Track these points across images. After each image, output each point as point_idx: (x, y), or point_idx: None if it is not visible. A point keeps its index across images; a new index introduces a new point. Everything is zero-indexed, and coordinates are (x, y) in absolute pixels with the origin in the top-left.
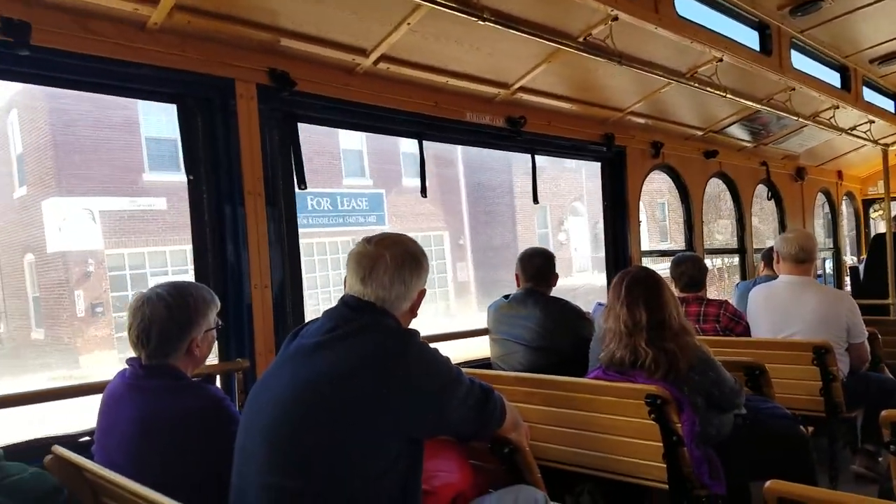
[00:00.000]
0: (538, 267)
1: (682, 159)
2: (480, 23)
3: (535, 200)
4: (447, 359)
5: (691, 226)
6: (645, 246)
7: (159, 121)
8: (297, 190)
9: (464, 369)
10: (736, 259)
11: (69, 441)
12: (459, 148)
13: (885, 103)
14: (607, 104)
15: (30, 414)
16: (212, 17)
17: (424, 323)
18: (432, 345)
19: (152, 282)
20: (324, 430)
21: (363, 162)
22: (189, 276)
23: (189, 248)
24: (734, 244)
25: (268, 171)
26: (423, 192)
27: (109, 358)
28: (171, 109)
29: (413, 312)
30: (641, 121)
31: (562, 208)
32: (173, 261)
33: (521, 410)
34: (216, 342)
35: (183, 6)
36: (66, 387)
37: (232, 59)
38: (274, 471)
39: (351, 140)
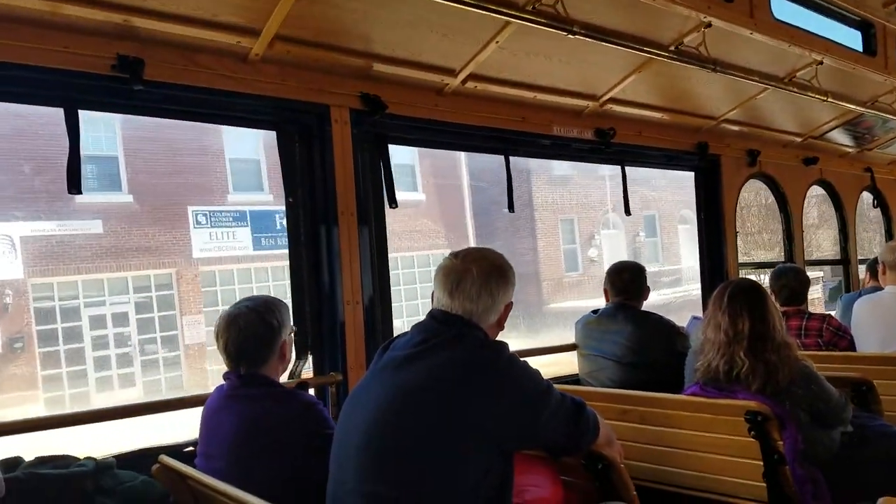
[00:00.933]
0: (627, 281)
1: (779, 167)
2: (570, 37)
3: (627, 212)
4: (537, 372)
5: (791, 236)
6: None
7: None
8: (386, 209)
9: (556, 385)
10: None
11: (174, 451)
12: (463, 154)
13: None
14: (700, 112)
15: None
16: (309, 46)
17: None
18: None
19: (87, 313)
20: (416, 440)
21: (261, 172)
22: (131, 306)
23: (131, 274)
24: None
25: (360, 192)
26: (511, 207)
27: (31, 397)
28: (104, 121)
29: (500, 325)
30: (736, 128)
31: (593, 220)
32: (112, 289)
33: (613, 428)
34: (310, 356)
35: (283, 36)
36: (161, 401)
37: (327, 86)
38: (369, 480)
39: (241, 144)
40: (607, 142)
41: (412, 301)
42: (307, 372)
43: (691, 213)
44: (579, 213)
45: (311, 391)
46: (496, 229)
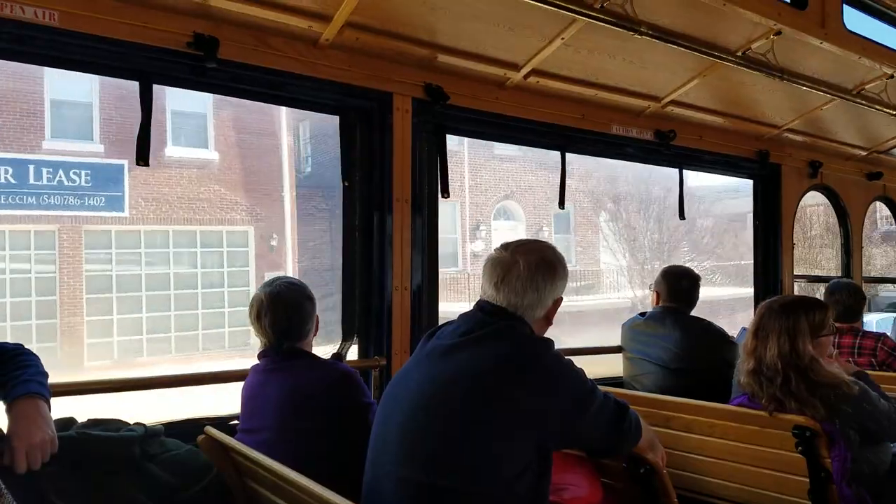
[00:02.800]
0: (685, 289)
1: (841, 180)
2: (637, 37)
3: (682, 216)
4: (582, 371)
5: (849, 251)
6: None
7: None
8: (440, 198)
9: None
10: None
11: (220, 422)
12: (284, 109)
13: None
14: (762, 120)
15: None
16: (377, 34)
17: None
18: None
19: None
20: (456, 430)
21: (92, 119)
22: None
23: None
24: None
25: (416, 180)
26: (562, 203)
27: None
28: None
29: (548, 321)
30: (799, 138)
31: (482, 208)
32: None
33: (656, 434)
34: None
35: (352, 24)
36: (198, 374)
37: (392, 74)
38: (407, 464)
39: (70, 85)
40: (667, 143)
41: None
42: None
43: (517, 205)
44: (468, 197)
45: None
46: (335, 207)
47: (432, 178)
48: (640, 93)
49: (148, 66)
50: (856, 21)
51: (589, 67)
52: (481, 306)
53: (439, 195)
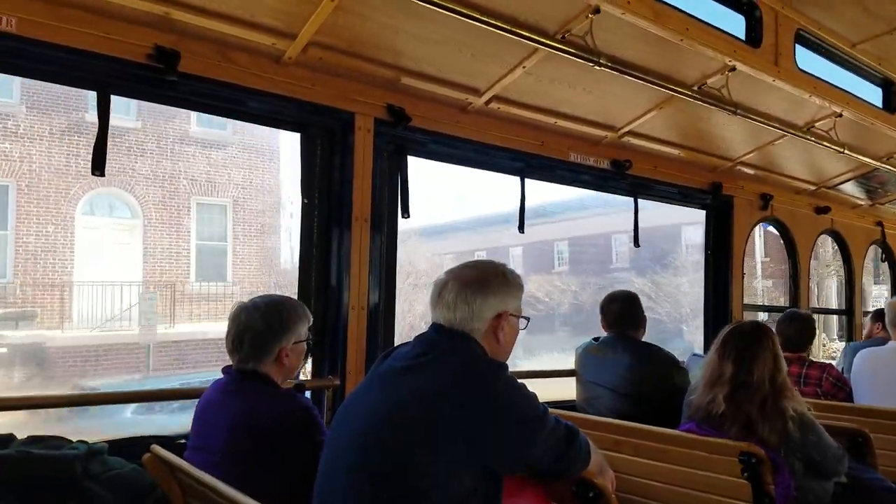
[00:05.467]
0: (617, 312)
1: (791, 213)
2: (596, 68)
3: (637, 244)
4: (534, 395)
5: (797, 283)
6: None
7: None
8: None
9: (551, 410)
10: None
11: (167, 441)
12: None
13: None
14: (716, 153)
15: None
16: (341, 54)
17: None
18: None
19: None
20: (405, 453)
21: None
22: None
23: None
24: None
25: (375, 199)
26: (521, 228)
27: None
28: None
29: (497, 338)
30: (751, 171)
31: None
32: None
33: (606, 458)
34: (309, 358)
35: (317, 42)
36: (156, 390)
37: (355, 93)
38: (355, 488)
39: None
40: (622, 173)
41: None
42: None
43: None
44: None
45: (308, 394)
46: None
47: (392, 198)
48: (598, 122)
49: (106, 76)
50: (807, 60)
51: (549, 96)
52: (434, 327)
53: (399, 215)
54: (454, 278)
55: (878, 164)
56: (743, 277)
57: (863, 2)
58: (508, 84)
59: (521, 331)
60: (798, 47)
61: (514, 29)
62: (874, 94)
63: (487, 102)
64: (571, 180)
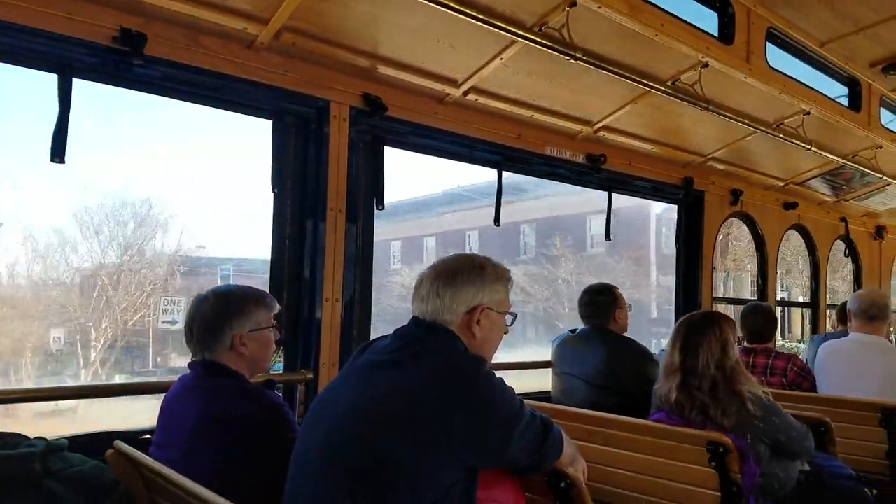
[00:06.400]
0: (587, 304)
1: (760, 208)
2: (572, 62)
3: (608, 237)
4: (512, 390)
5: (765, 276)
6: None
7: None
8: (375, 209)
9: (526, 401)
10: None
11: (130, 437)
12: None
13: None
14: (688, 148)
15: None
16: (316, 40)
17: None
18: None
19: None
20: (381, 449)
21: None
22: None
23: None
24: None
25: (351, 190)
26: (497, 221)
27: None
28: None
29: (471, 332)
30: (722, 167)
31: None
32: None
33: (582, 448)
34: (282, 352)
35: (291, 28)
36: (122, 384)
37: (330, 81)
38: (329, 484)
39: None
40: (597, 167)
41: None
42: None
43: None
44: None
45: (282, 389)
46: None
47: (368, 189)
48: (574, 116)
49: (69, 59)
50: (778, 58)
51: (526, 89)
52: (413, 321)
53: (375, 207)
54: (431, 270)
55: (844, 161)
56: (713, 271)
57: (832, 2)
58: (486, 76)
59: (508, 327)
60: (769, 45)
61: (491, 20)
62: (841, 93)
63: (465, 94)
64: (547, 174)
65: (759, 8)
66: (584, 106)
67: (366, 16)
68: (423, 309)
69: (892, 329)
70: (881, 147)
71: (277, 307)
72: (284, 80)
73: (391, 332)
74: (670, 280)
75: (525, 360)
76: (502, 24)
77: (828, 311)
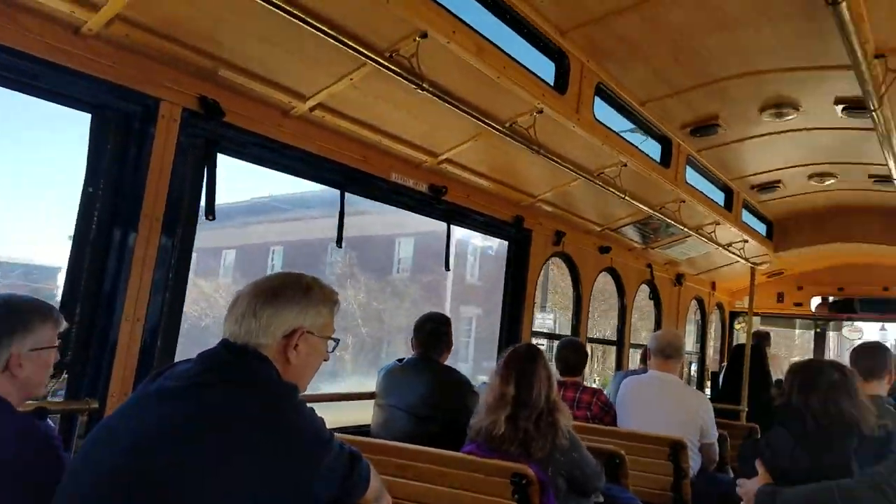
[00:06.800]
0: (429, 332)
1: (579, 250)
2: (420, 91)
3: (447, 268)
4: (321, 421)
5: (580, 314)
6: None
7: None
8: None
9: (341, 435)
10: None
11: None
12: None
13: (759, 227)
14: (521, 188)
15: None
16: (152, 34)
17: None
18: (314, 405)
19: None
20: (169, 490)
21: None
22: None
23: None
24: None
25: (173, 197)
26: (339, 242)
27: None
28: None
29: (286, 358)
30: (549, 209)
31: None
32: None
33: (391, 484)
34: (63, 375)
35: (125, 18)
36: None
37: (163, 79)
38: None
39: None
40: (438, 198)
41: None
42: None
43: None
44: None
45: (56, 420)
46: None
47: (195, 197)
48: (419, 146)
49: None
50: (604, 113)
51: (374, 112)
52: (221, 343)
53: (199, 217)
54: (251, 287)
55: (653, 211)
56: (534, 306)
57: (652, 66)
58: (335, 93)
59: (329, 354)
60: (597, 99)
61: (343, 39)
62: (654, 149)
63: (312, 109)
64: (391, 200)
65: (591, 63)
66: (429, 136)
67: (209, 15)
68: (234, 330)
69: (685, 368)
70: (684, 201)
71: (65, 324)
72: (112, 71)
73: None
74: (471, 310)
75: (350, 391)
76: (353, 45)
77: (631, 350)
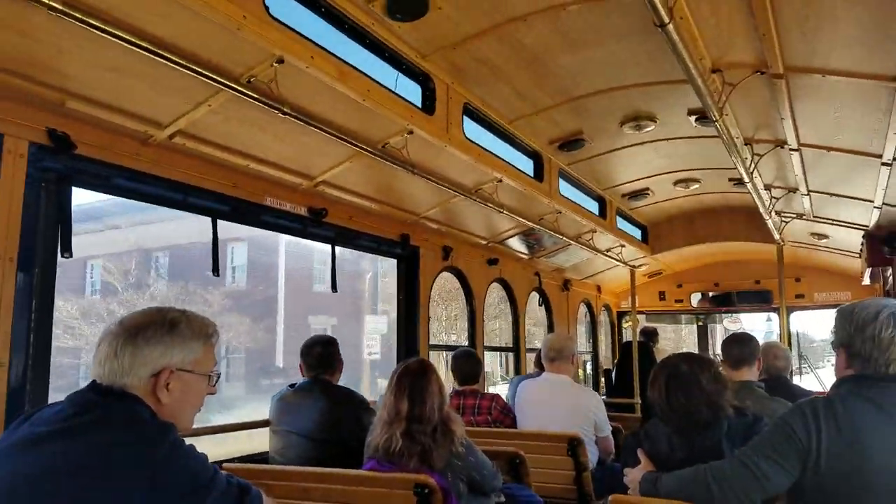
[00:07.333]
0: (318, 355)
1: (468, 264)
2: (281, 115)
3: (334, 289)
4: (203, 457)
5: (474, 324)
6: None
7: None
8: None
9: (237, 465)
10: None
11: None
12: None
13: (633, 231)
14: (404, 207)
15: None
16: None
17: None
18: (206, 438)
19: None
20: None
21: None
22: None
23: None
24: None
25: (27, 235)
26: (216, 271)
27: None
28: None
29: (157, 398)
30: (435, 226)
31: None
32: None
33: None
34: None
35: None
36: None
37: (6, 114)
38: None
39: None
40: (319, 220)
41: None
42: None
43: None
44: None
45: None
46: None
47: (50, 234)
48: (292, 169)
49: None
50: (474, 131)
51: (240, 138)
52: (92, 385)
53: (58, 255)
54: (117, 326)
55: (533, 224)
56: (428, 320)
57: (515, 86)
58: (194, 120)
59: (214, 387)
60: (466, 119)
61: (194, 67)
62: (528, 165)
63: (171, 136)
64: (268, 225)
65: (455, 84)
66: (302, 159)
67: (53, 47)
68: (99, 372)
69: (579, 368)
70: (561, 212)
71: None
72: None
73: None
74: (324, 320)
75: (244, 420)
76: (206, 72)
77: (527, 355)
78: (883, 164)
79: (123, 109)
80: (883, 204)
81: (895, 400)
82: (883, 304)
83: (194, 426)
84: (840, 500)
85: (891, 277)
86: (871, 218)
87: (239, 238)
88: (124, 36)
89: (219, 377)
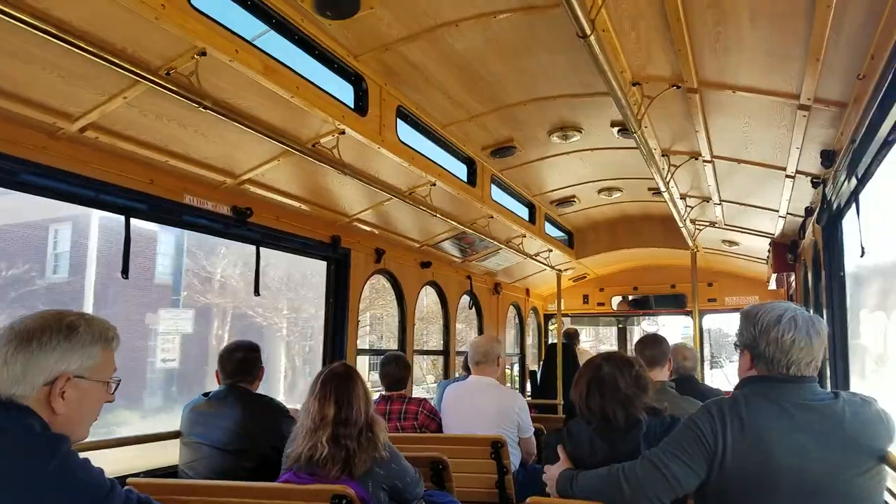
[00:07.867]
0: (239, 361)
1: (401, 267)
2: (202, 109)
3: (257, 293)
4: (98, 471)
5: (404, 328)
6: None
7: None
8: None
9: (141, 479)
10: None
11: None
12: None
13: (561, 237)
14: (335, 208)
15: None
16: None
17: None
18: (105, 452)
19: None
20: None
21: None
22: None
23: None
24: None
25: None
26: (125, 273)
27: None
28: None
29: (51, 409)
30: (367, 228)
31: None
32: None
33: None
34: None
35: None
36: None
37: None
38: None
39: None
40: (244, 220)
41: None
42: None
43: None
44: None
45: None
46: None
47: None
48: (214, 166)
49: None
50: (408, 134)
51: (158, 132)
52: None
53: None
54: (8, 330)
55: (465, 228)
56: (357, 324)
57: (448, 92)
58: (108, 113)
59: (112, 395)
60: (399, 122)
61: (108, 56)
62: (461, 170)
63: (83, 130)
64: (186, 224)
65: (388, 86)
66: (226, 156)
67: None
68: None
69: (506, 369)
70: (493, 217)
71: None
72: None
73: None
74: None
75: (152, 431)
76: (122, 63)
77: (457, 358)
78: (787, 176)
79: (27, 99)
80: (787, 213)
81: (796, 400)
82: (784, 307)
83: (96, 439)
84: (744, 499)
85: (794, 282)
86: (776, 226)
87: (61, 219)
88: (26, 19)
89: (118, 384)
